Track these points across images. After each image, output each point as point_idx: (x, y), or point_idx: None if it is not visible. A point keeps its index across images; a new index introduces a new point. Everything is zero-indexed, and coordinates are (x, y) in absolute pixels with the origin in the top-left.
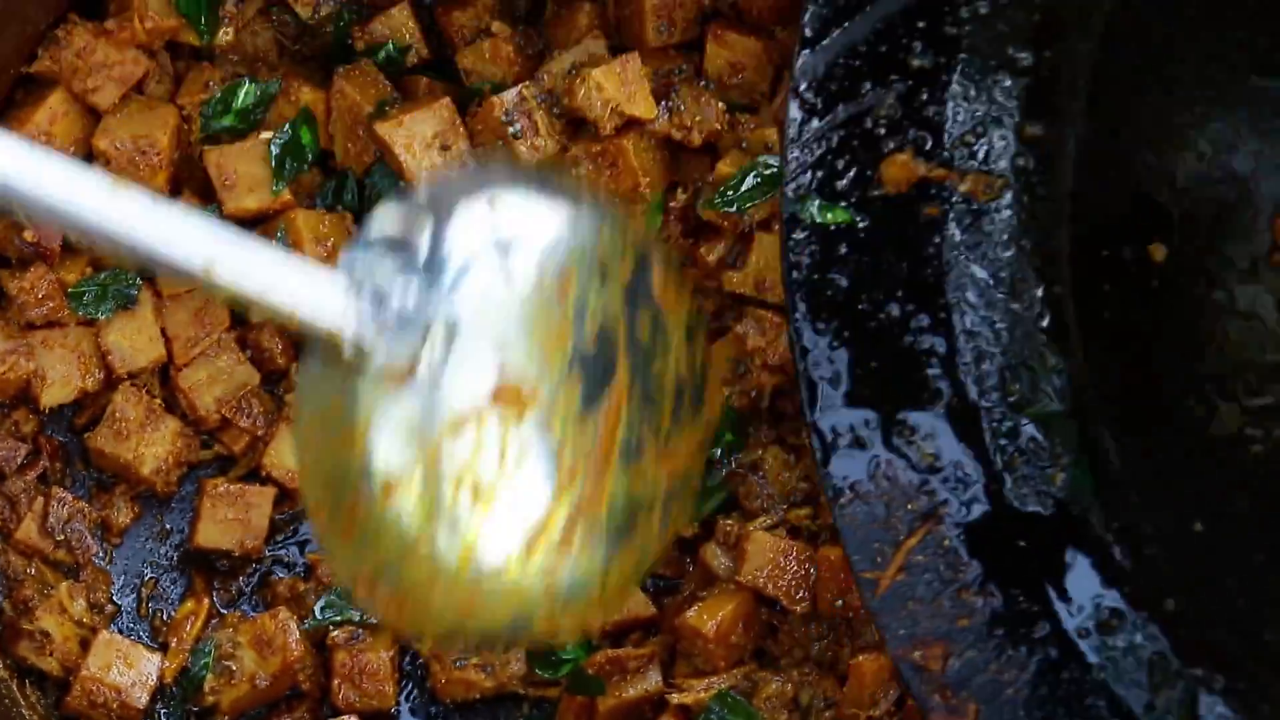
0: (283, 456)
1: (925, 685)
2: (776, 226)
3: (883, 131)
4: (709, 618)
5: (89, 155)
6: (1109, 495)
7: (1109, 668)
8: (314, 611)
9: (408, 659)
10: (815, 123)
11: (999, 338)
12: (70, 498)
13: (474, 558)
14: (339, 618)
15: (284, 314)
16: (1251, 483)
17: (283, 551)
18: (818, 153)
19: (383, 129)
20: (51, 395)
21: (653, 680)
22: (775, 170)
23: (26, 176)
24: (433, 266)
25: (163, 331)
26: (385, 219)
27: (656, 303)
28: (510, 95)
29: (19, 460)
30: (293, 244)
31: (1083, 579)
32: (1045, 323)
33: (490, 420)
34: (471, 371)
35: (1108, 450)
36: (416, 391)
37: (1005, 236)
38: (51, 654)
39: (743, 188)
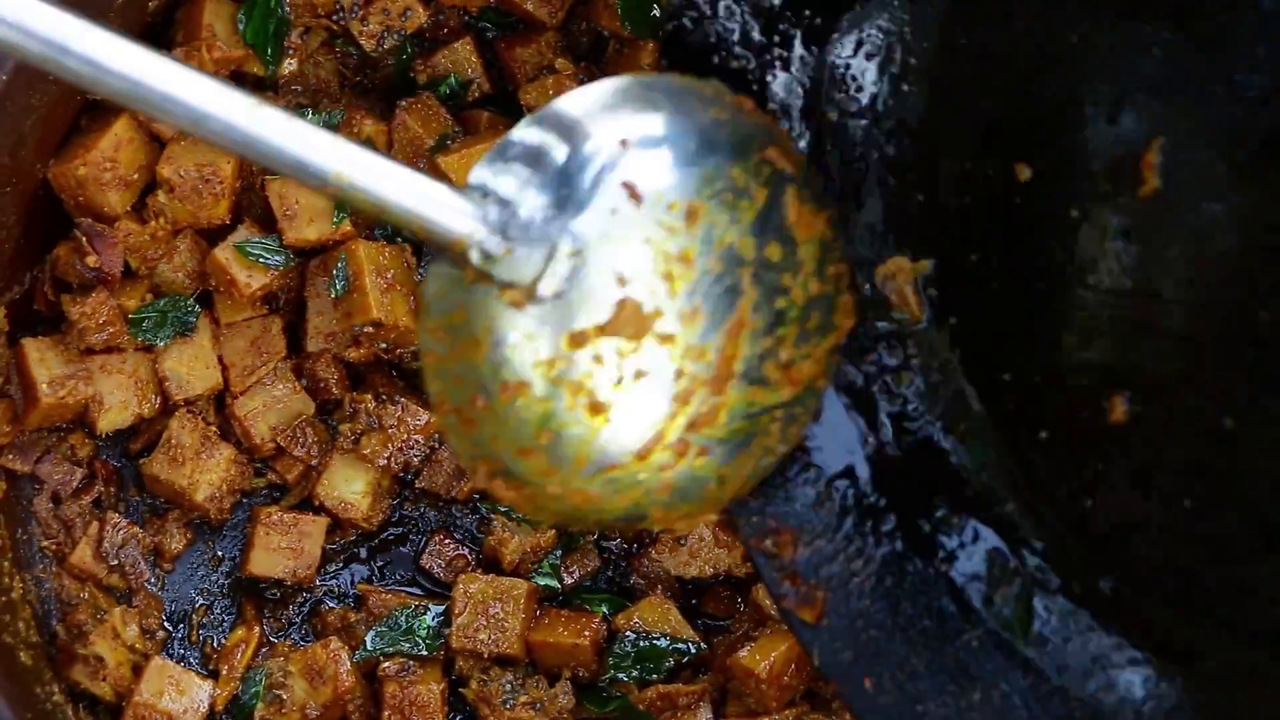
0: (335, 486)
1: (776, 572)
2: None
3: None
4: (761, 658)
5: (153, 183)
6: (950, 401)
7: (951, 562)
8: (365, 642)
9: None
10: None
11: (851, 234)
12: (125, 523)
13: (589, 459)
14: (390, 649)
15: (411, 222)
16: (1089, 391)
17: (334, 581)
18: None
19: (445, 162)
20: (109, 420)
21: (704, 718)
22: None
23: (173, 97)
24: (564, 183)
25: (220, 359)
26: (522, 132)
27: (789, 229)
28: None
29: (75, 484)
30: (353, 275)
31: (930, 479)
32: (900, 223)
33: (610, 339)
34: (595, 291)
35: (950, 360)
36: (540, 306)
37: (860, 139)
38: (104, 679)
39: None
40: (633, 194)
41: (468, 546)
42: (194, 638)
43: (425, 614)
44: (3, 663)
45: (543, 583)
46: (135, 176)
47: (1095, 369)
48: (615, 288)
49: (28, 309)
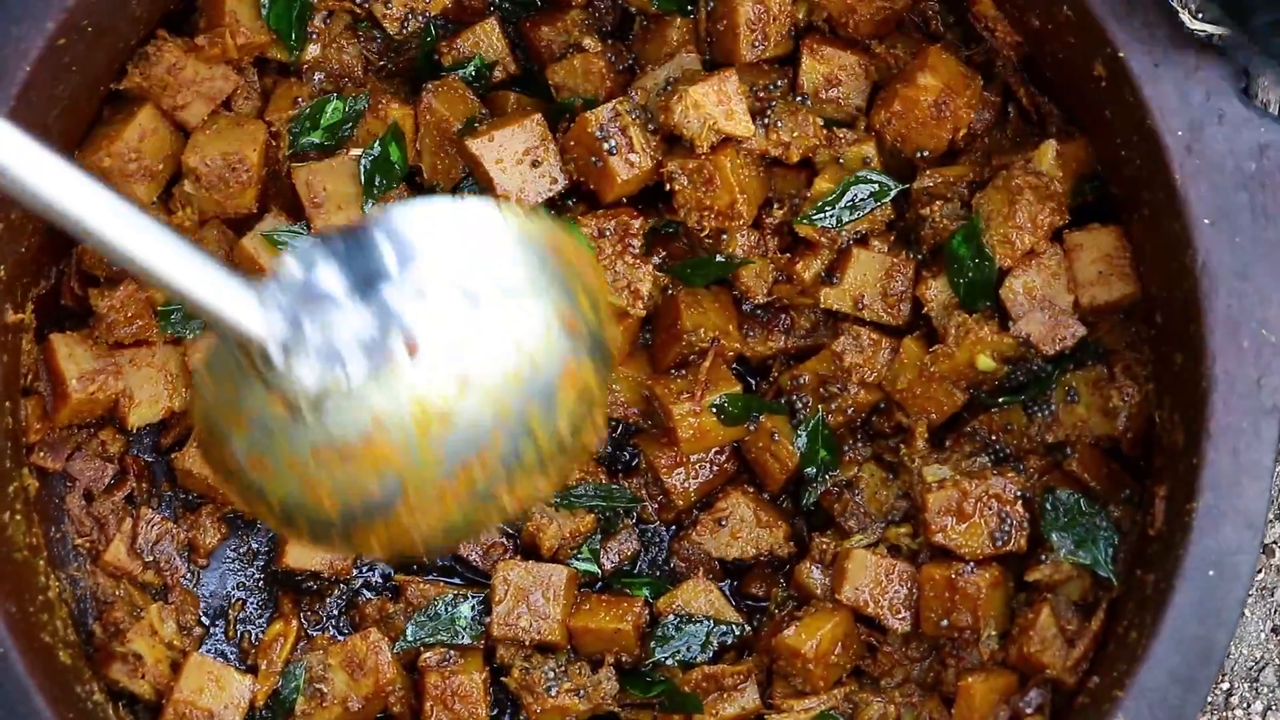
0: None
1: None
2: (874, 242)
3: None
4: (808, 637)
5: (178, 173)
6: None
7: None
8: (405, 633)
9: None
10: None
11: None
12: (158, 518)
13: (311, 535)
14: (430, 639)
15: (206, 314)
16: None
17: (370, 573)
18: None
19: (473, 144)
20: (139, 415)
21: (750, 698)
22: (875, 186)
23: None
24: (358, 310)
25: None
26: (302, 256)
27: (554, 387)
28: (604, 111)
29: (106, 481)
30: None
31: None
32: None
33: (351, 464)
34: (348, 424)
35: None
36: (298, 417)
37: None
38: (143, 676)
39: (840, 203)
40: (411, 348)
41: (505, 534)
42: (231, 633)
43: (464, 603)
44: (42, 663)
45: (582, 568)
46: (161, 167)
47: None
48: (368, 426)
49: (55, 304)
